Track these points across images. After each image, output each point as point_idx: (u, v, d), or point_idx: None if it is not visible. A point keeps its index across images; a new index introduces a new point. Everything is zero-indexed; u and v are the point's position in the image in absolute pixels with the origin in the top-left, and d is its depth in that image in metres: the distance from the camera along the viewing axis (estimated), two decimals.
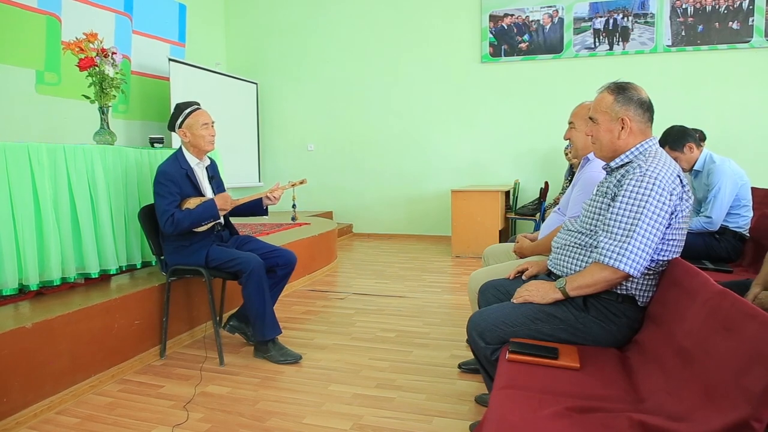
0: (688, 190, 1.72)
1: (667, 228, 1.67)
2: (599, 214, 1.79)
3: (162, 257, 2.87)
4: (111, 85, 3.22)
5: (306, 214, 6.61)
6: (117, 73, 3.26)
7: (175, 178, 2.75)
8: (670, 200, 1.64)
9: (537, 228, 4.52)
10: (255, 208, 2.99)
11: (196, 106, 2.86)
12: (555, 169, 6.13)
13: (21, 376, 2.17)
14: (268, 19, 7.40)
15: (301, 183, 2.97)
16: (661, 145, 2.16)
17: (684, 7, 5.83)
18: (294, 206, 3.20)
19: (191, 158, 2.86)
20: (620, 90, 1.79)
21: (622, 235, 1.65)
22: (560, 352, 1.67)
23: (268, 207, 3.03)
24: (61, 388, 2.34)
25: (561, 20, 6.23)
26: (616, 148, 1.81)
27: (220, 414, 2.24)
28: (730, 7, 5.70)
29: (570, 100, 2.67)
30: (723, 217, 3.05)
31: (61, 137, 4.25)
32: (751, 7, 5.64)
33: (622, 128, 1.78)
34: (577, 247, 1.85)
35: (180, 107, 2.85)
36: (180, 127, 2.81)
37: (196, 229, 2.75)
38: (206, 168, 2.97)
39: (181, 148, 2.88)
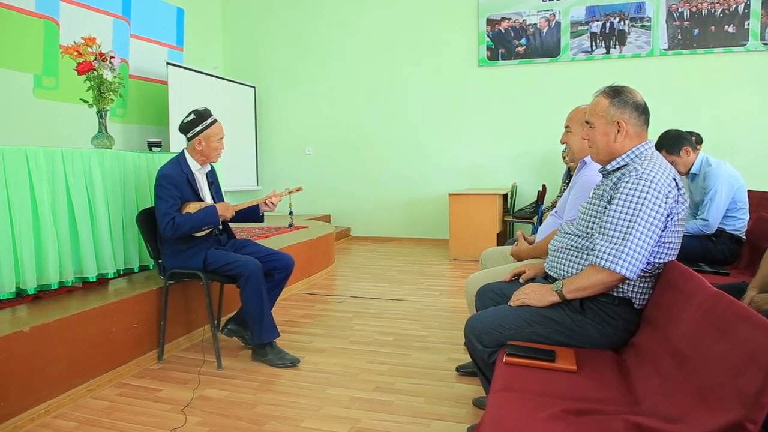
0: (684, 193, 1.73)
1: (663, 231, 1.68)
2: (596, 217, 1.80)
3: (160, 261, 2.87)
4: (109, 89, 3.23)
5: (304, 217, 6.61)
6: (115, 77, 3.27)
7: (176, 181, 2.75)
8: (665, 203, 1.65)
9: (534, 231, 4.53)
10: (252, 214, 3.00)
11: (215, 118, 2.85)
12: (552, 172, 6.15)
13: (18, 381, 2.17)
14: (266, 23, 7.42)
15: (297, 190, 3.00)
16: (657, 149, 2.17)
17: (680, 10, 5.87)
18: (291, 213, 3.21)
19: (193, 163, 2.86)
20: (615, 93, 1.81)
21: (618, 238, 1.65)
22: (557, 354, 1.67)
23: (265, 213, 3.04)
24: (59, 392, 2.34)
25: (558, 24, 6.26)
26: (612, 152, 1.82)
27: (218, 418, 2.24)
28: (726, 11, 5.73)
29: (567, 104, 2.69)
30: (719, 220, 3.06)
31: (59, 141, 4.25)
32: (746, 10, 5.67)
33: (618, 131, 1.79)
34: (574, 250, 1.86)
35: (202, 115, 2.81)
36: (197, 135, 2.79)
37: (194, 234, 2.75)
38: (206, 174, 2.97)
39: (183, 152, 2.87)
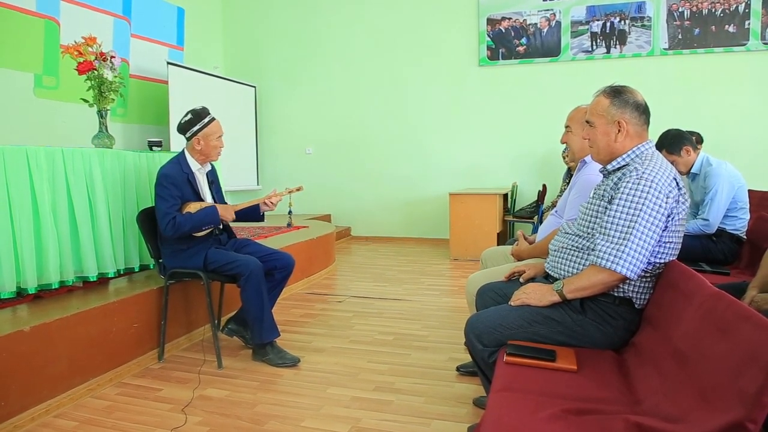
0: (684, 193, 1.73)
1: (664, 231, 1.68)
2: (596, 217, 1.80)
3: (160, 260, 2.87)
4: (109, 88, 3.23)
5: (304, 217, 6.62)
6: (115, 76, 3.27)
7: (176, 181, 2.75)
8: (666, 203, 1.65)
9: (535, 231, 4.53)
10: (252, 213, 3.00)
11: (213, 116, 2.84)
12: (553, 171, 6.15)
13: (19, 380, 2.17)
14: (266, 23, 7.42)
15: (298, 190, 2.99)
16: (658, 149, 2.17)
17: (680, 10, 5.86)
18: (290, 212, 3.20)
19: (193, 163, 2.86)
20: (616, 93, 1.81)
21: (619, 238, 1.65)
22: (557, 354, 1.67)
23: (265, 213, 3.04)
24: (59, 392, 2.34)
25: (558, 23, 6.26)
26: (612, 151, 1.82)
27: (218, 417, 2.24)
28: (726, 11, 5.73)
29: (567, 103, 2.69)
30: (720, 220, 3.06)
31: (59, 141, 4.24)
32: (747, 10, 5.67)
33: (619, 131, 1.79)
34: (575, 250, 1.86)
35: (199, 114, 2.80)
36: (195, 134, 2.79)
37: (194, 234, 2.76)
38: (206, 173, 2.97)
39: (183, 151, 2.87)
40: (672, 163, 1.97)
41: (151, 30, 5.92)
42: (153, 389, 2.53)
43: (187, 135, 2.81)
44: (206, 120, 2.80)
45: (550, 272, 1.98)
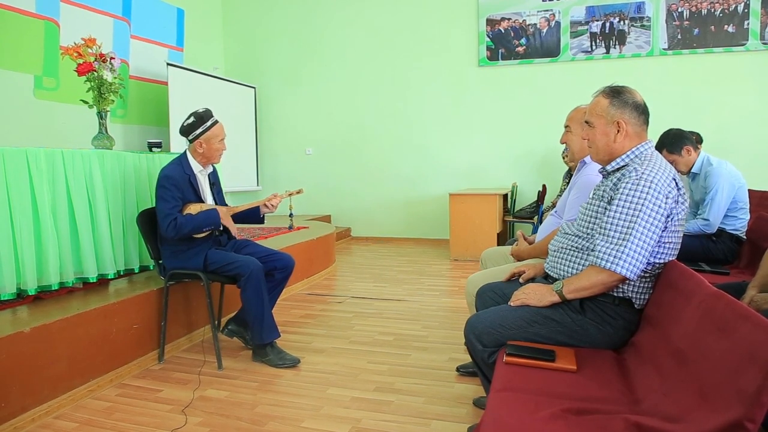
0: (684, 193, 1.73)
1: (663, 231, 1.68)
2: (596, 218, 1.80)
3: (160, 261, 2.88)
4: (109, 89, 3.23)
5: (304, 217, 6.62)
6: (115, 77, 3.27)
7: (178, 182, 2.75)
8: (665, 203, 1.65)
9: (535, 231, 4.53)
10: (252, 215, 3.00)
11: (216, 119, 2.84)
12: (553, 171, 6.15)
13: (19, 381, 2.17)
14: (266, 23, 7.42)
15: (298, 193, 2.99)
16: (658, 149, 2.18)
17: (680, 10, 5.87)
18: (291, 215, 3.20)
19: (195, 165, 2.86)
20: (615, 94, 1.81)
21: (618, 239, 1.65)
22: (557, 354, 1.67)
23: (265, 215, 3.04)
24: (60, 393, 2.34)
25: (558, 24, 6.26)
26: (612, 152, 1.82)
27: (218, 418, 2.24)
28: (726, 11, 5.73)
29: (567, 104, 2.69)
30: (720, 220, 3.06)
31: (59, 142, 4.25)
32: (746, 10, 5.67)
33: (618, 131, 1.79)
34: (574, 251, 1.86)
35: (202, 117, 2.79)
36: (198, 137, 2.78)
37: (195, 235, 2.76)
38: (208, 175, 2.97)
39: (185, 153, 2.87)
40: (672, 162, 1.98)
41: (151, 31, 5.92)
42: (153, 390, 2.54)
43: (190, 138, 2.80)
44: (209, 123, 2.80)
45: (549, 272, 1.98)
